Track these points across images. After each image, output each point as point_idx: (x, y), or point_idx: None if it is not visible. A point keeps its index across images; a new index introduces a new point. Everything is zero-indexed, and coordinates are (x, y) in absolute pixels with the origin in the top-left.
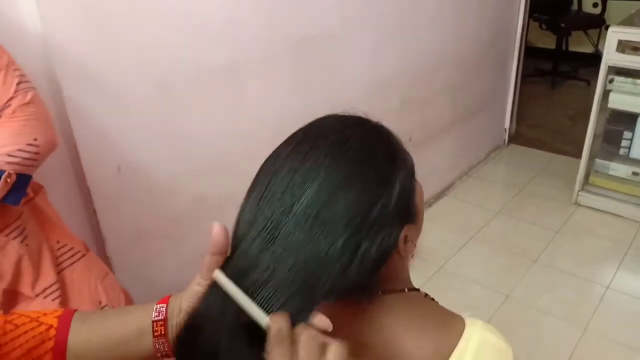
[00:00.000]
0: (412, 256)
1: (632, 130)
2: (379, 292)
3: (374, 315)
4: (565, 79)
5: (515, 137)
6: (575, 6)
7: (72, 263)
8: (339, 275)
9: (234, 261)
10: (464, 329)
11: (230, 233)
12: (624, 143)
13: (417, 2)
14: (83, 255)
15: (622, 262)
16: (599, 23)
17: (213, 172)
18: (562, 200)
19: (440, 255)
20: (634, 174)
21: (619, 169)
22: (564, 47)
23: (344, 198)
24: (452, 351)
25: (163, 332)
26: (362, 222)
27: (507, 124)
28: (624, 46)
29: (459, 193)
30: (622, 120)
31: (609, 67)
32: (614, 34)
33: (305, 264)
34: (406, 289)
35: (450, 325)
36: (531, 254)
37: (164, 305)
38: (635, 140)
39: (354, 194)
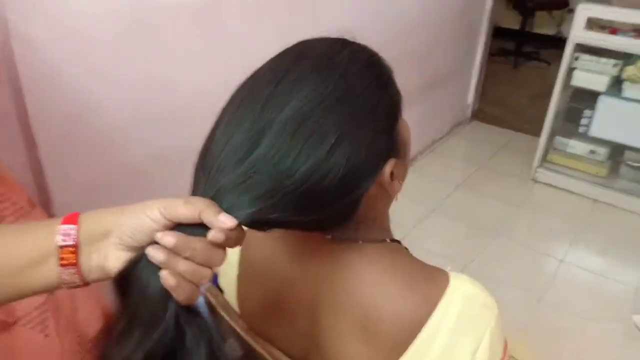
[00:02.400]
0: (396, 199)
1: (593, 109)
2: (359, 242)
3: (354, 264)
4: (527, 59)
5: (478, 114)
6: None
7: (14, 221)
8: (315, 186)
9: (207, 179)
10: (448, 282)
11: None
12: (583, 121)
13: None
14: (27, 212)
15: (576, 236)
16: (563, 4)
17: (180, 124)
18: (521, 176)
19: (403, 227)
20: (591, 152)
21: (577, 147)
22: (528, 28)
23: (331, 112)
24: (437, 304)
25: (74, 261)
26: (349, 138)
27: (470, 100)
28: (591, 24)
29: (422, 167)
30: (584, 98)
31: (576, 44)
32: (583, 11)
33: (282, 173)
34: (388, 240)
35: (434, 278)
36: (490, 227)
37: (74, 227)
38: (595, 118)
39: (342, 108)
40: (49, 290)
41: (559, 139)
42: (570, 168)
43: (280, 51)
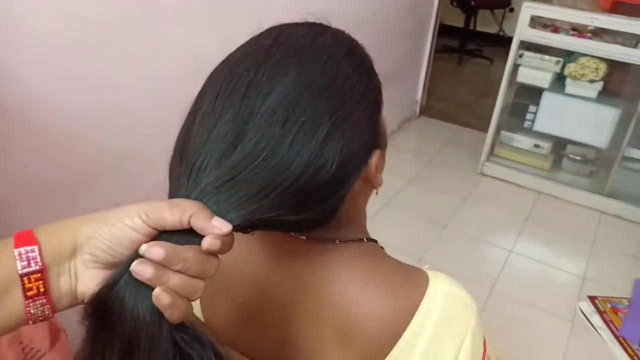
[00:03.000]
0: (376, 193)
1: (537, 105)
2: (336, 242)
3: (331, 267)
4: (471, 56)
5: (426, 110)
6: None
7: None
8: (311, 180)
9: (189, 177)
10: (427, 282)
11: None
12: (528, 116)
13: None
14: None
15: (522, 228)
16: (504, 3)
17: (127, 122)
18: (469, 170)
19: None
20: (536, 146)
21: (522, 141)
22: (472, 27)
23: (321, 98)
24: (418, 306)
25: (43, 290)
26: (342, 126)
27: (419, 96)
28: (535, 22)
29: None
30: (528, 94)
31: (520, 42)
32: (527, 10)
33: (275, 168)
34: (365, 239)
35: (414, 279)
36: (441, 221)
37: (34, 247)
38: (539, 114)
39: (332, 94)
40: (8, 329)
41: (505, 134)
42: (516, 162)
43: (253, 36)
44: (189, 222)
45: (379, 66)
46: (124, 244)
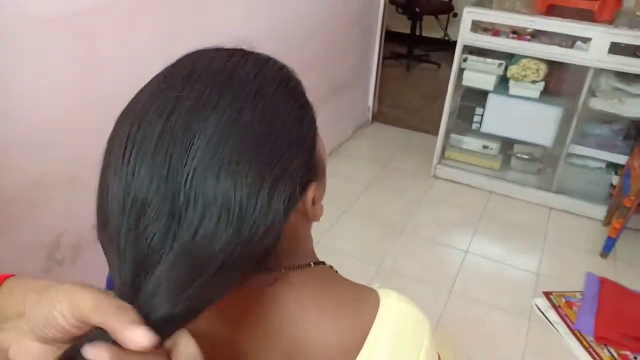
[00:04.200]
0: (318, 220)
1: (483, 107)
2: (282, 270)
3: (278, 297)
4: (419, 62)
5: (378, 116)
6: None
7: None
8: (258, 241)
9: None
10: (378, 302)
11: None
12: (475, 118)
13: None
14: None
15: (477, 228)
16: (448, 9)
17: (52, 145)
18: (422, 173)
19: (315, 232)
20: (484, 147)
21: (471, 143)
22: (417, 32)
23: (246, 146)
24: (371, 326)
25: None
26: (285, 176)
27: (370, 103)
28: (476, 26)
29: (330, 169)
30: (475, 97)
31: (464, 46)
32: (469, 14)
33: (218, 244)
34: (312, 263)
35: (364, 300)
36: (398, 225)
37: None
38: (486, 116)
39: (268, 140)
40: None
41: (454, 137)
42: (466, 163)
43: (164, 68)
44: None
45: (331, 75)
46: (55, 327)
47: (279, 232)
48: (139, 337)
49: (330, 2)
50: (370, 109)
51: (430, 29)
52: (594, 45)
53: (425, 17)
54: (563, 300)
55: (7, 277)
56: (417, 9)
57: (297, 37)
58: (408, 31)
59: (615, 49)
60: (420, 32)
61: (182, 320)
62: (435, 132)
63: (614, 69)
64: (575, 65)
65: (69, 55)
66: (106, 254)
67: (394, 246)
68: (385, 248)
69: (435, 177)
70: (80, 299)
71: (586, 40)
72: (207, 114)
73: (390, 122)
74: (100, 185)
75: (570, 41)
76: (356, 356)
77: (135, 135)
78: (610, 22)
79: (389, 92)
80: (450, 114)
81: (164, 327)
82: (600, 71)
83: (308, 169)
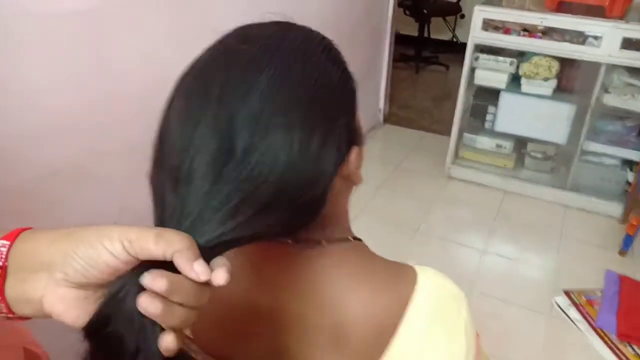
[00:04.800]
0: (356, 190)
1: (496, 105)
2: (322, 243)
3: (319, 269)
4: (427, 64)
5: (389, 118)
6: None
7: None
8: (306, 190)
9: (177, 198)
10: (416, 277)
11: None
12: (488, 117)
13: None
14: None
15: (492, 227)
16: (456, 10)
17: (65, 136)
18: (436, 174)
19: None
20: (498, 146)
21: (485, 142)
22: (425, 34)
23: (303, 103)
24: (408, 302)
25: None
26: (329, 132)
27: (381, 105)
28: (487, 25)
29: None
30: (487, 96)
31: (475, 45)
32: (480, 13)
33: (271, 185)
34: (350, 238)
35: (402, 275)
36: (412, 225)
37: (7, 244)
38: (499, 114)
39: (314, 99)
40: None
41: (467, 136)
42: (480, 162)
43: (217, 39)
44: (173, 259)
45: None
46: (99, 267)
47: (327, 185)
48: (203, 272)
49: (337, 4)
50: (382, 111)
51: (439, 31)
52: (606, 41)
53: (433, 20)
54: (584, 298)
55: (24, 229)
56: (424, 11)
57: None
58: (416, 33)
59: (627, 44)
60: (429, 34)
61: (225, 247)
62: (446, 133)
63: (627, 65)
64: (587, 62)
65: (70, 53)
66: (155, 193)
67: (409, 246)
68: (401, 248)
69: (449, 177)
70: (137, 234)
71: (597, 36)
72: (260, 69)
73: (402, 124)
74: (161, 131)
75: (581, 38)
76: (396, 329)
77: (198, 87)
78: (621, 17)
79: (400, 94)
80: (463, 113)
81: (208, 253)
82: (612, 67)
83: (350, 132)
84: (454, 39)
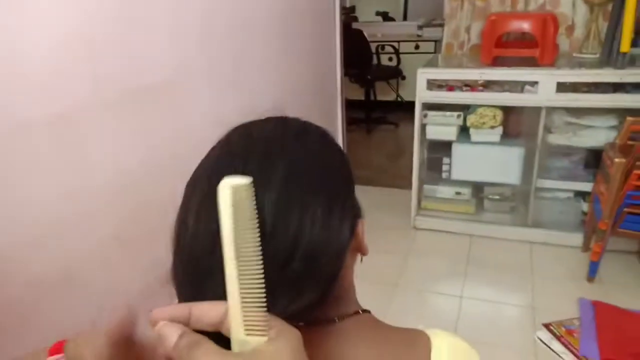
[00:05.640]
0: (361, 260)
1: (449, 156)
2: (335, 320)
3: (337, 346)
4: (377, 124)
5: None
6: (375, 61)
7: None
8: (335, 266)
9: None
10: (429, 341)
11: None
12: (444, 167)
13: (245, 49)
14: None
15: (466, 272)
16: (397, 73)
17: (49, 243)
18: (403, 226)
19: None
20: (457, 193)
21: (445, 191)
22: (372, 97)
23: (318, 186)
24: None
25: None
26: (343, 208)
27: None
28: (431, 84)
29: None
30: (440, 148)
31: (422, 103)
32: (423, 75)
33: (303, 263)
34: (360, 311)
35: (417, 342)
36: (390, 281)
37: (60, 357)
38: (453, 163)
39: (325, 181)
40: None
41: (427, 187)
42: (442, 211)
43: (219, 140)
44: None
45: None
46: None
47: (344, 257)
48: None
49: (295, 76)
50: None
51: (383, 93)
52: (542, 87)
53: (377, 84)
54: (563, 329)
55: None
56: (369, 77)
57: (262, 112)
58: (363, 98)
59: (562, 87)
60: (375, 97)
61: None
62: (406, 186)
63: (564, 106)
64: (528, 107)
65: (57, 156)
66: (181, 287)
67: (392, 303)
68: (383, 305)
69: (416, 228)
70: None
71: (534, 83)
72: (274, 161)
73: (362, 182)
74: (180, 229)
75: (519, 86)
76: None
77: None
78: (552, 65)
79: (355, 154)
80: (420, 166)
81: None
82: (551, 109)
83: (355, 206)
84: (399, 99)
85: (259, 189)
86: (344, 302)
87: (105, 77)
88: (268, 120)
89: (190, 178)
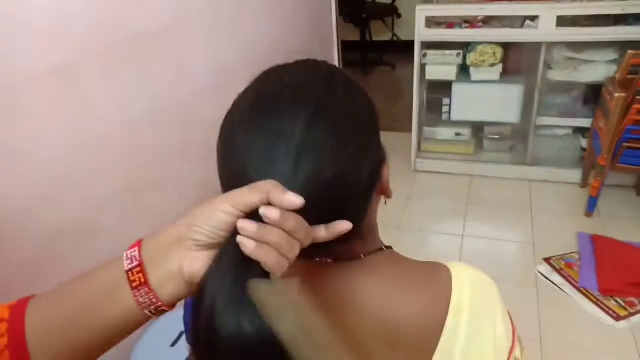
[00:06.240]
0: (385, 203)
1: (449, 96)
2: (361, 256)
3: (364, 282)
4: (374, 66)
5: None
6: None
7: None
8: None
9: None
10: (450, 273)
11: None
12: (444, 109)
13: None
14: None
15: (466, 212)
16: (393, 11)
17: (62, 194)
18: (404, 169)
19: None
20: (457, 134)
21: (445, 133)
22: (368, 38)
23: (341, 120)
24: (450, 297)
25: (143, 281)
26: (373, 146)
27: None
28: (430, 22)
29: None
30: (440, 89)
31: (421, 42)
32: (421, 12)
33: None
34: (384, 247)
35: (438, 274)
36: (393, 223)
37: (136, 249)
38: (453, 104)
39: (348, 116)
40: (134, 321)
41: (427, 129)
42: (443, 152)
43: (256, 78)
44: (268, 199)
45: None
46: (220, 226)
47: (370, 199)
48: (295, 198)
49: (287, 20)
50: None
51: (379, 33)
52: (542, 22)
53: (372, 23)
54: (563, 262)
55: (140, 240)
56: (364, 15)
57: (262, 57)
58: (359, 38)
59: (562, 21)
60: (370, 37)
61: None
62: (405, 129)
63: (564, 41)
64: (528, 43)
65: (60, 106)
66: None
67: (395, 244)
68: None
69: (417, 170)
70: (234, 195)
71: (534, 18)
72: (307, 99)
73: None
74: (230, 160)
75: (519, 22)
76: (444, 325)
77: (258, 108)
78: None
79: None
80: (420, 108)
81: None
82: (552, 45)
83: (380, 149)
84: (395, 38)
85: (289, 127)
86: (369, 240)
87: (105, 23)
88: (300, 62)
89: (228, 112)
